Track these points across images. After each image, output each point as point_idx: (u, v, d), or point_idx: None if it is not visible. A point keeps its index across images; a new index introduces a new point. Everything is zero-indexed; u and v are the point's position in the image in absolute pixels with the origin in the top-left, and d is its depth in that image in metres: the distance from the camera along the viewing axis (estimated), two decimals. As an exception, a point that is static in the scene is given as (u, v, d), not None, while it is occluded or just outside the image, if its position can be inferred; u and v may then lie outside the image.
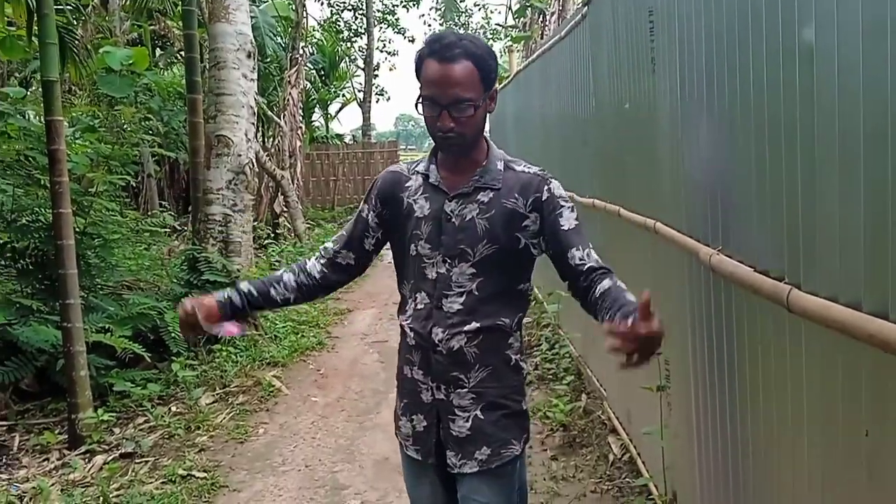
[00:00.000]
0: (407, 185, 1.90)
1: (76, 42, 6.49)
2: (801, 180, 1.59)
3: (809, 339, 1.58)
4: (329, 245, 2.00)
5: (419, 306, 1.85)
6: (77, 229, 4.88)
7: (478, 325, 1.80)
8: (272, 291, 1.94)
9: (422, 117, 1.78)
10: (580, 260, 1.77)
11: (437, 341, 1.81)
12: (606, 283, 1.71)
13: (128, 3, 10.55)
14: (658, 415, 2.86)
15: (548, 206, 1.80)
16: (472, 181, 1.82)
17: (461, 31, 1.90)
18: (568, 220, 1.80)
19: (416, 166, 1.95)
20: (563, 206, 1.81)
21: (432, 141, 1.83)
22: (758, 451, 1.95)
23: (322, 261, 1.98)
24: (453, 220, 1.81)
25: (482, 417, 1.84)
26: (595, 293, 1.71)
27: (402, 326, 1.93)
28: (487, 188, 1.82)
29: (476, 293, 1.80)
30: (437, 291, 1.81)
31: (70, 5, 7.14)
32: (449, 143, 1.76)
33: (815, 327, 1.52)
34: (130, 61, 8.12)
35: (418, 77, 1.78)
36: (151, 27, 11.98)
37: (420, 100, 1.76)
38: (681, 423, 2.70)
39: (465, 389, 1.83)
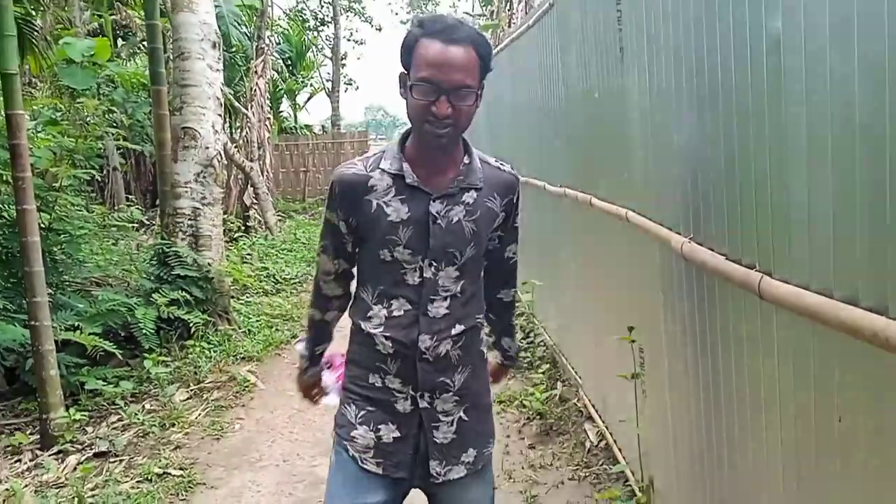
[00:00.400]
0: (370, 184, 1.72)
1: (35, 33, 6.33)
2: (770, 168, 1.61)
3: (781, 326, 1.61)
4: (324, 267, 1.91)
5: (397, 313, 1.74)
6: (42, 225, 4.79)
7: (462, 327, 1.78)
8: (329, 334, 2.06)
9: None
10: (513, 254, 2.00)
11: (424, 349, 1.73)
12: (504, 313, 2.11)
13: (88, -8, 10.34)
14: (633, 402, 2.89)
15: (515, 207, 1.87)
16: (456, 181, 1.73)
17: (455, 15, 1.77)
18: (518, 218, 1.92)
19: (376, 163, 1.76)
20: (519, 205, 1.89)
21: (417, 132, 1.69)
22: (732, 438, 1.98)
23: (332, 279, 1.92)
24: (439, 222, 1.71)
25: (466, 419, 1.81)
26: (495, 311, 2.07)
27: (368, 335, 1.78)
28: (472, 188, 1.75)
29: (459, 296, 1.77)
30: (424, 297, 1.73)
31: (28, -4, 6.96)
32: (441, 133, 1.63)
33: (787, 314, 1.54)
34: (92, 52, 7.95)
35: (408, 60, 1.64)
36: (113, 17, 11.73)
37: (413, 84, 1.61)
38: (656, 410, 2.74)
39: (450, 393, 1.78)
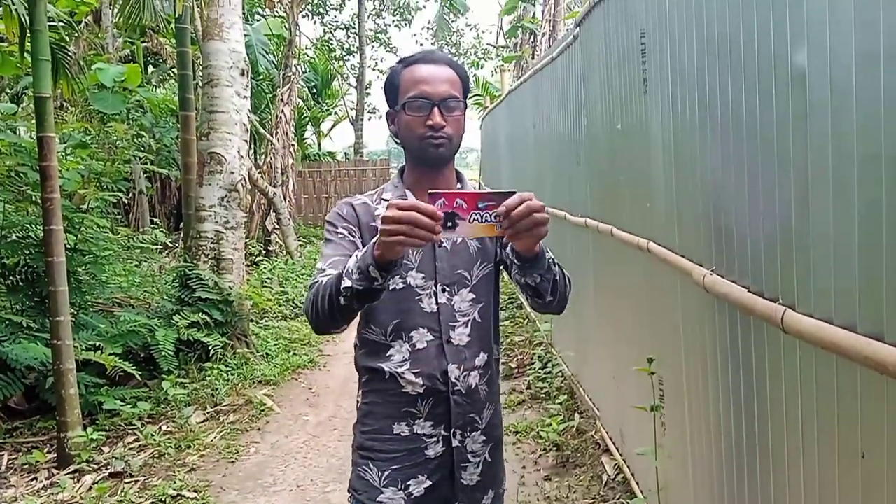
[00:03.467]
0: (377, 213, 1.71)
1: (69, 58, 6.47)
2: (794, 201, 1.60)
3: (805, 360, 1.59)
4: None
5: (420, 345, 1.68)
6: (68, 246, 4.86)
7: (486, 357, 1.74)
8: None
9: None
10: None
11: (454, 380, 1.68)
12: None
13: (121, 20, 10.58)
14: (652, 435, 2.85)
15: None
16: None
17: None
18: None
19: (379, 196, 1.78)
20: None
21: (414, 154, 1.70)
22: (753, 472, 1.95)
23: None
24: (444, 244, 1.70)
25: (490, 460, 1.78)
26: None
27: (390, 377, 1.68)
28: None
29: (479, 320, 1.73)
30: (444, 324, 1.68)
31: (63, 21, 7.14)
32: (438, 145, 1.64)
33: (811, 348, 1.52)
34: (123, 78, 8.11)
35: (395, 92, 1.69)
36: (144, 44, 11.98)
37: (405, 102, 1.65)
38: (675, 444, 2.70)
39: (479, 432, 1.75)
